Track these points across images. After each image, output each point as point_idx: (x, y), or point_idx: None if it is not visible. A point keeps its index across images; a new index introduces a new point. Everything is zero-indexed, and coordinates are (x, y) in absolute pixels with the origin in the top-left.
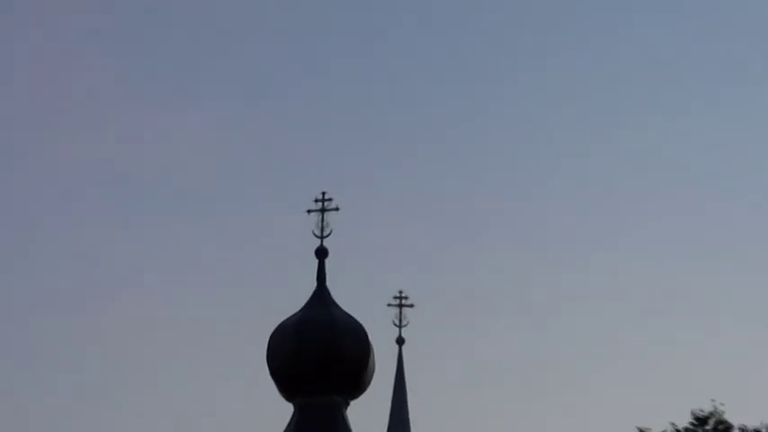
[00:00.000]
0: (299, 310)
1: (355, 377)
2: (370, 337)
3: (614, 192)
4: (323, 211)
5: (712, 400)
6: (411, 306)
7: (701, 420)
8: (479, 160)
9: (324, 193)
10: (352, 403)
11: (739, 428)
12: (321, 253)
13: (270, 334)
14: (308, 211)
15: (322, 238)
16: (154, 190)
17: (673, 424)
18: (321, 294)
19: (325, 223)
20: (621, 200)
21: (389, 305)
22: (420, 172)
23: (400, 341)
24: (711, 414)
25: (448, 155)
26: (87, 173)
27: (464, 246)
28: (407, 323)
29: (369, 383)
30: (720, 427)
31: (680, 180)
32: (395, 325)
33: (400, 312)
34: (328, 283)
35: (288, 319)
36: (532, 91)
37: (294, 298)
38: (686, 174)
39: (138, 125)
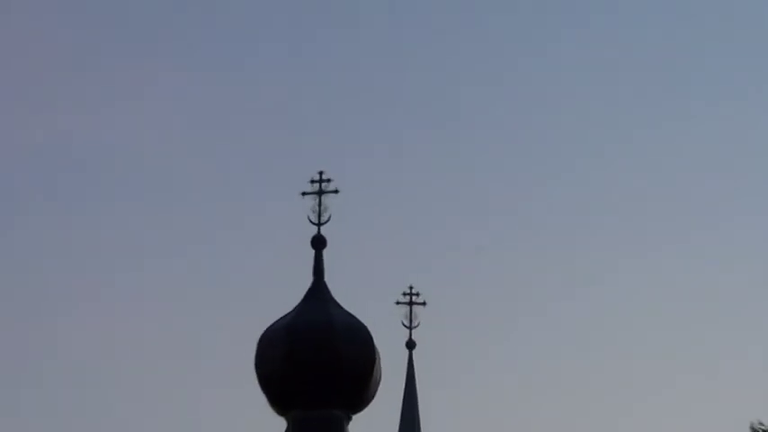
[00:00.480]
0: (293, 310)
1: (358, 387)
2: (376, 341)
3: (641, 188)
4: (320, 193)
5: None
6: (423, 304)
7: None
8: (501, 137)
9: (321, 173)
10: (355, 417)
11: None
12: (318, 242)
13: (258, 337)
14: (303, 194)
15: (319, 225)
16: (127, 171)
17: None
18: (318, 290)
19: (322, 208)
20: (657, 195)
21: (398, 303)
22: (432, 148)
23: (410, 345)
24: None
25: (465, 130)
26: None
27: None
28: (419, 324)
29: (374, 394)
30: None
31: None
32: (404, 326)
33: (410, 311)
34: (326, 278)
35: (279, 319)
36: (553, 66)
37: (287, 295)
38: None
39: (111, 98)
